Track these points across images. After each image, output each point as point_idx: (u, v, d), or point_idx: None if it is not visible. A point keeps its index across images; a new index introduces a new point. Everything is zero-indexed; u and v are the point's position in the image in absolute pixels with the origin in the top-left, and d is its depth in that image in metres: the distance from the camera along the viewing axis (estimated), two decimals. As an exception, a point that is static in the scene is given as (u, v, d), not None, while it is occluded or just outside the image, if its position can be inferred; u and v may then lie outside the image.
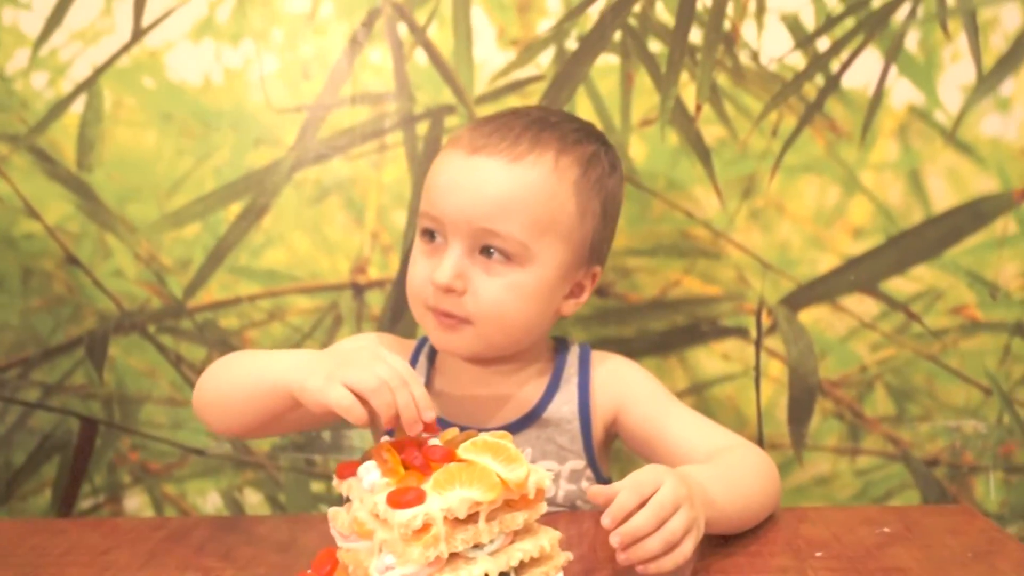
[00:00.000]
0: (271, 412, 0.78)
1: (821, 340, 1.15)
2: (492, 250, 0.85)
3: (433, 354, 0.96)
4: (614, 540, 0.68)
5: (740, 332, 1.15)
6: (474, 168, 0.85)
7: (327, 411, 0.70)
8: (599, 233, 0.91)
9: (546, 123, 0.89)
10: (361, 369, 0.70)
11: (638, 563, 0.68)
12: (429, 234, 0.88)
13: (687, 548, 0.69)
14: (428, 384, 0.94)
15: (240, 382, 0.80)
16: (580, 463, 0.92)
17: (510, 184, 0.84)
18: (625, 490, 0.68)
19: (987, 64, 1.12)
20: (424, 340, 0.97)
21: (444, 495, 0.63)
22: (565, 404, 0.91)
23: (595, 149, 0.91)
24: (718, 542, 0.79)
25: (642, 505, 0.68)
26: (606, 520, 0.68)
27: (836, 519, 0.87)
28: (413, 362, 0.95)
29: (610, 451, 0.98)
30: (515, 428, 0.90)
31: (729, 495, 0.77)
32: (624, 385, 0.93)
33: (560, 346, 0.96)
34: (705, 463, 0.81)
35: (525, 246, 0.85)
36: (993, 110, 1.12)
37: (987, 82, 1.12)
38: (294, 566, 0.76)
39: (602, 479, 0.93)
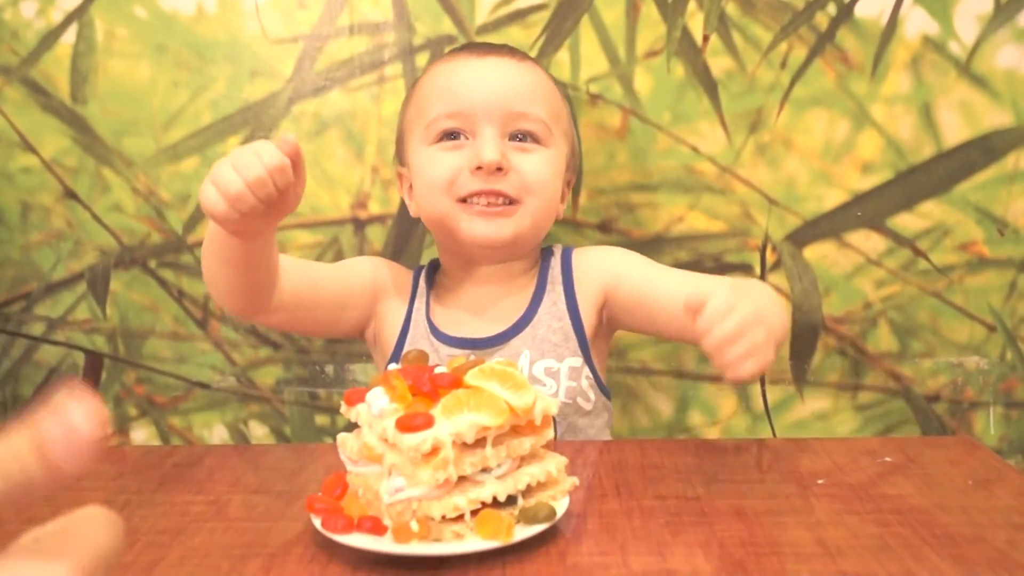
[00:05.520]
0: (231, 260, 0.82)
1: (826, 276, 1.14)
2: (523, 134, 0.92)
3: (431, 278, 1.00)
4: (708, 343, 0.70)
5: (744, 268, 1.15)
6: (492, 65, 0.93)
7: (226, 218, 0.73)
8: (575, 144, 1.01)
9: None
10: (221, 167, 0.72)
11: (727, 365, 0.70)
12: (451, 134, 0.92)
13: (769, 355, 0.70)
14: (429, 303, 0.98)
15: (206, 250, 0.85)
16: (577, 360, 0.95)
17: (530, 75, 0.94)
18: (716, 301, 0.69)
19: (1006, -9, 1.09)
20: (420, 268, 1.01)
21: (452, 420, 0.65)
22: (553, 304, 0.96)
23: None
24: (721, 471, 0.81)
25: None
26: (702, 323, 0.69)
27: (837, 450, 0.88)
28: (414, 286, 1.00)
29: (607, 349, 1.02)
30: (511, 333, 0.94)
31: (769, 308, 0.79)
32: (609, 264, 0.97)
33: (545, 253, 1.00)
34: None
35: (549, 127, 0.93)
36: (1010, 41, 1.09)
37: (1005, 11, 1.09)
38: (303, 491, 0.77)
39: (600, 381, 0.97)
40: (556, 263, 0.98)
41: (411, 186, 0.97)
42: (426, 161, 0.93)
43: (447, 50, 1.02)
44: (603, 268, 0.96)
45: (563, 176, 0.97)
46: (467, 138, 0.91)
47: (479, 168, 0.89)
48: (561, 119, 0.96)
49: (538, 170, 0.92)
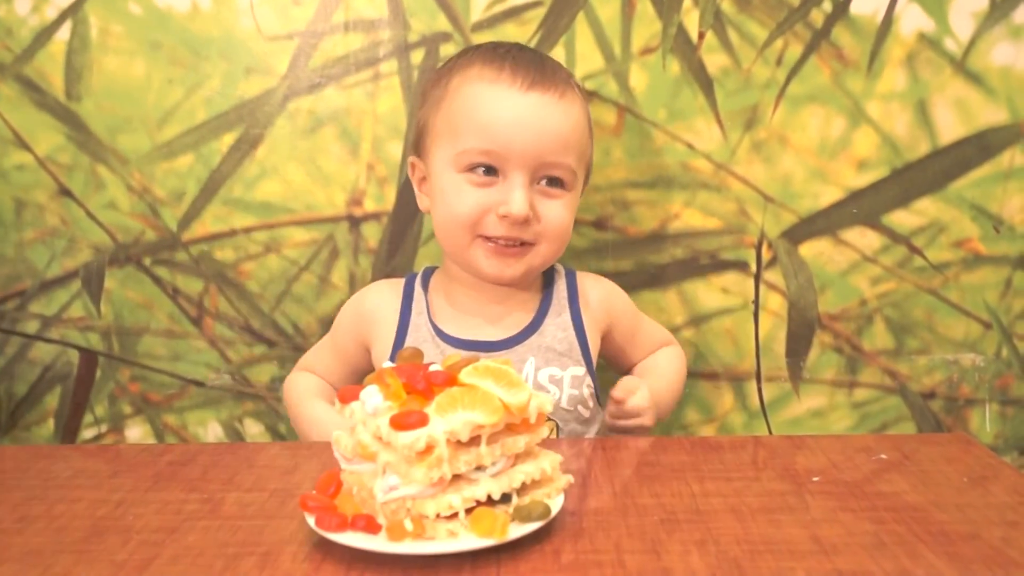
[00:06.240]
0: None
1: (821, 274, 1.14)
2: (552, 179, 0.92)
3: (426, 283, 1.01)
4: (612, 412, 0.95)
5: (740, 265, 1.14)
6: (535, 105, 0.90)
7: None
8: (591, 164, 1.00)
9: (549, 58, 0.97)
10: None
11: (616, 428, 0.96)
12: (484, 168, 0.91)
13: (633, 425, 0.95)
14: (429, 308, 0.98)
15: (290, 412, 1.05)
16: (580, 370, 0.97)
17: (566, 120, 0.92)
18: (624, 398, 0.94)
19: (1001, -13, 1.09)
20: (414, 275, 1.02)
21: (446, 418, 0.64)
22: (559, 315, 0.98)
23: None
24: (717, 469, 0.81)
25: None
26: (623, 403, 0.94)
27: (833, 447, 0.88)
28: (408, 297, 1.00)
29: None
30: (517, 340, 0.96)
31: (668, 396, 1.03)
32: (613, 306, 1.03)
33: (548, 272, 1.02)
34: (658, 372, 1.04)
35: (575, 173, 0.94)
36: (1005, 38, 1.09)
37: (1000, 8, 1.09)
38: (297, 489, 0.77)
39: (598, 390, 1.00)
40: (562, 282, 1.00)
41: (424, 178, 0.97)
42: (453, 189, 0.92)
43: (490, 46, 0.96)
44: (610, 308, 1.02)
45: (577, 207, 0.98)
46: (497, 175, 0.91)
47: (505, 217, 0.90)
48: (587, 154, 0.96)
49: (559, 217, 0.93)
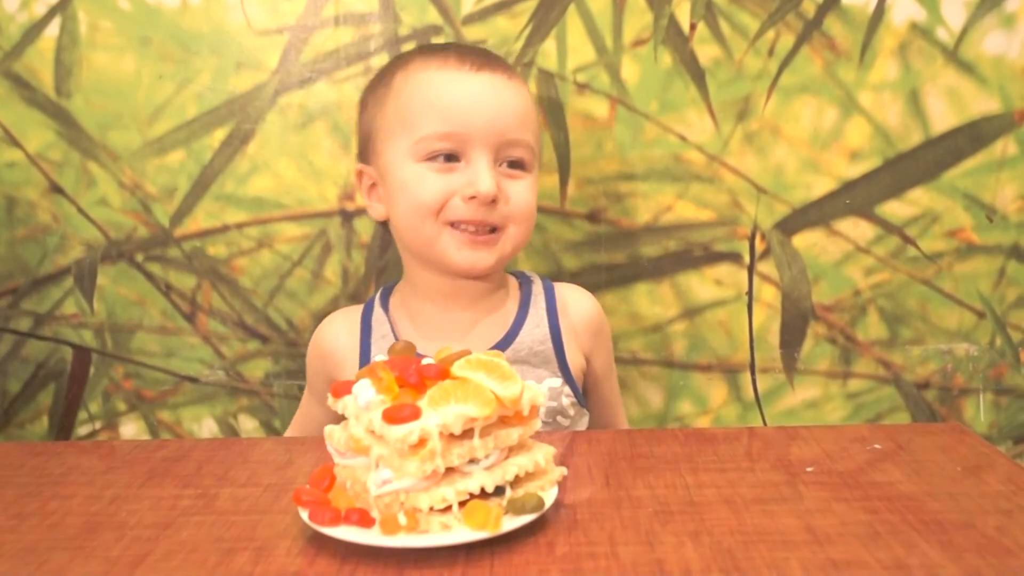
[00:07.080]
0: None
1: (815, 264, 1.14)
2: (513, 161, 0.91)
3: (385, 304, 0.97)
4: None
5: (733, 257, 1.14)
6: (489, 84, 0.90)
7: None
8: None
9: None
10: None
11: None
12: (444, 156, 0.89)
13: None
14: (394, 330, 0.95)
15: None
16: (557, 381, 0.94)
17: (520, 97, 0.92)
18: None
19: (993, -24, 1.08)
20: (372, 299, 0.98)
21: (439, 411, 0.64)
22: (536, 327, 0.95)
23: None
24: (711, 460, 0.81)
25: None
26: None
27: (827, 437, 0.87)
28: (367, 325, 0.96)
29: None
30: None
31: None
32: (597, 329, 0.99)
33: (523, 279, 0.99)
34: None
35: (534, 152, 0.93)
36: (997, 27, 1.09)
37: (992, -3, 1.09)
38: (291, 484, 0.77)
39: (579, 395, 0.97)
40: (538, 290, 0.98)
41: (373, 185, 0.95)
42: (414, 179, 0.89)
43: (426, 45, 0.97)
44: (593, 331, 0.98)
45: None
46: (459, 160, 0.89)
47: (473, 198, 0.87)
48: (539, 136, 0.95)
49: (525, 199, 0.91)
